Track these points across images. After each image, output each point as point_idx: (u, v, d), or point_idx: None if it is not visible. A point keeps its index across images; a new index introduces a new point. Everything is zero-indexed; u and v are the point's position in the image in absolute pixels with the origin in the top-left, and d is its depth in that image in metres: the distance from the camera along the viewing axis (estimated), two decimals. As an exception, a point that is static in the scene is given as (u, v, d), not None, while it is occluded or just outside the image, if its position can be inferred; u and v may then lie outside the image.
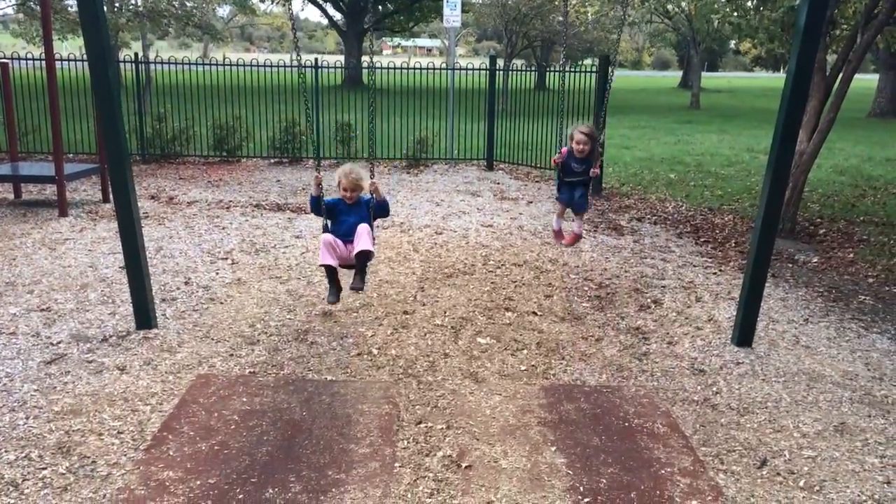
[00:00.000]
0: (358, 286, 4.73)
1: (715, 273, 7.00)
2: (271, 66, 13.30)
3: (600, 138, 5.36)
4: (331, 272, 4.81)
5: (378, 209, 4.81)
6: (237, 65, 13.48)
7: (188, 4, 24.74)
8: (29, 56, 12.39)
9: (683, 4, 30.87)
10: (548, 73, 17.68)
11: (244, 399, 4.18)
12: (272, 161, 13.08)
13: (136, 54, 13.37)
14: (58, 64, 8.93)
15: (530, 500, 3.32)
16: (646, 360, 4.94)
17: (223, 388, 4.31)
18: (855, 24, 8.28)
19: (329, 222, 4.80)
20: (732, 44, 54.08)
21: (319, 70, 12.99)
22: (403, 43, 57.70)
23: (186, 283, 6.20)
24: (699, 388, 4.55)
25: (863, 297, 6.41)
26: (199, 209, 9.08)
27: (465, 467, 3.56)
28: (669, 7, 33.31)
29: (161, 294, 5.84)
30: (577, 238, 5.71)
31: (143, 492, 3.28)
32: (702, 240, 8.32)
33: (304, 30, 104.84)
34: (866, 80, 39.93)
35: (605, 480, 3.48)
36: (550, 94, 13.52)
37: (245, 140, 13.03)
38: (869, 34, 7.77)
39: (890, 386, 4.66)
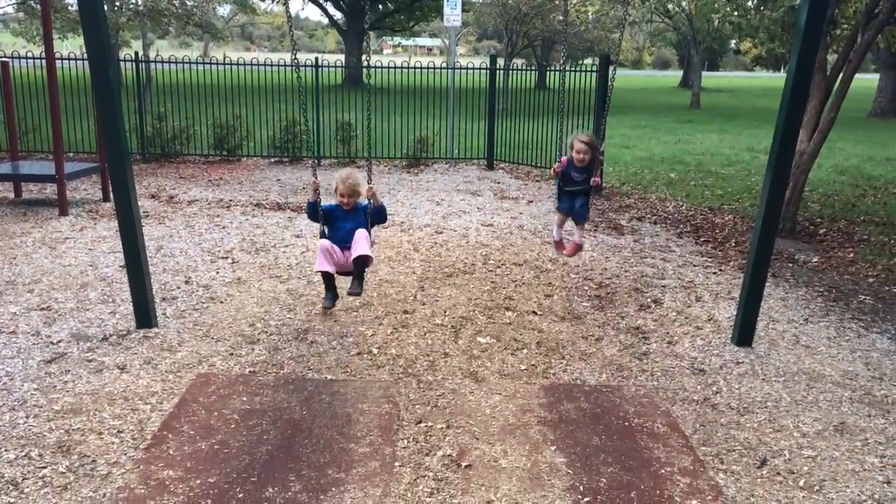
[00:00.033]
0: (356, 291, 4.62)
1: (715, 273, 7.00)
2: (271, 66, 13.29)
3: (600, 147, 5.27)
4: (328, 278, 4.72)
5: (375, 215, 4.73)
6: (237, 64, 13.48)
7: (188, 3, 24.75)
8: (29, 55, 12.38)
9: (684, 4, 30.87)
10: (548, 73, 17.68)
11: (244, 398, 4.18)
12: (272, 160, 13.08)
13: (136, 53, 13.37)
14: (58, 63, 8.93)
15: (530, 499, 3.32)
16: (646, 359, 4.94)
17: (223, 387, 4.31)
18: (855, 24, 8.27)
19: (326, 228, 4.73)
20: (733, 43, 54.05)
21: (320, 69, 12.99)
22: (404, 42, 57.74)
23: (187, 282, 6.20)
24: (699, 387, 4.55)
25: (863, 297, 6.41)
26: (199, 208, 9.08)
27: (465, 467, 3.56)
28: (670, 6, 33.33)
29: (161, 293, 5.84)
30: (579, 248, 5.58)
31: (143, 491, 3.28)
32: (702, 239, 8.32)
33: (304, 29, 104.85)
34: (867, 80, 39.93)
35: (604, 480, 3.48)
36: (551, 93, 13.53)
37: (245, 139, 13.04)
38: (869, 34, 7.76)
39: (890, 386, 4.66)
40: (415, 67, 13.59)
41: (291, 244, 7.52)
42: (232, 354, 4.80)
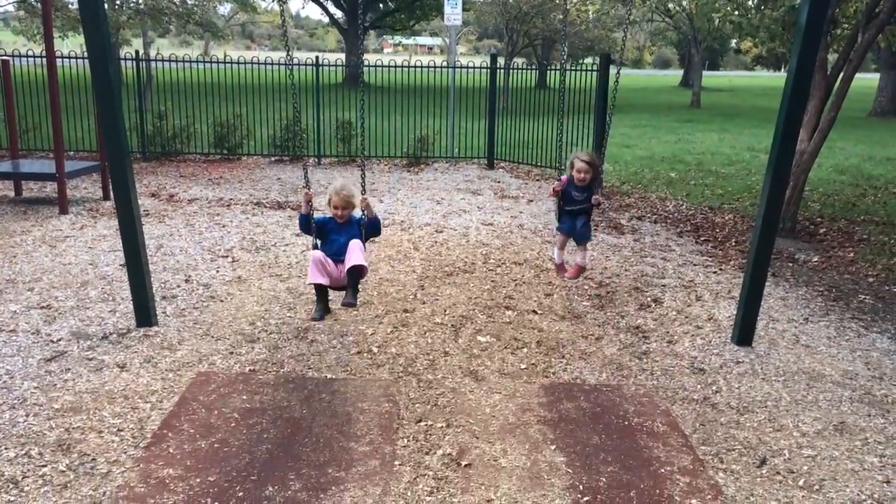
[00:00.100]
0: (351, 302, 4.40)
1: (715, 272, 7.00)
2: (272, 64, 13.29)
3: (601, 165, 5.06)
4: (321, 291, 4.51)
5: (370, 227, 4.55)
6: (238, 62, 13.47)
7: (189, 2, 24.75)
8: (30, 53, 12.38)
9: (684, 3, 30.88)
10: (548, 72, 17.68)
11: (244, 397, 4.18)
12: (273, 159, 13.08)
13: (136, 52, 13.37)
14: (58, 61, 8.92)
15: (530, 498, 3.32)
16: (646, 358, 4.95)
17: (223, 385, 4.31)
18: (856, 24, 8.27)
19: (319, 242, 4.55)
20: (733, 43, 54.04)
21: (320, 68, 12.99)
22: (404, 41, 57.70)
23: (187, 281, 6.20)
24: (699, 386, 4.55)
25: (863, 297, 6.41)
26: (199, 207, 9.08)
27: (465, 465, 3.56)
28: (670, 6, 33.32)
29: (161, 292, 5.84)
30: (582, 271, 5.29)
31: (142, 489, 3.28)
32: (702, 239, 8.32)
33: (305, 28, 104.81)
34: (867, 80, 39.91)
35: (604, 479, 3.48)
36: (551, 92, 13.52)
37: (246, 138, 13.04)
38: (870, 33, 7.76)
39: (890, 385, 4.66)
40: (415, 66, 13.59)
41: (292, 243, 7.52)
42: (232, 353, 4.81)
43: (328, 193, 4.55)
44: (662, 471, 3.57)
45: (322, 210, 4.76)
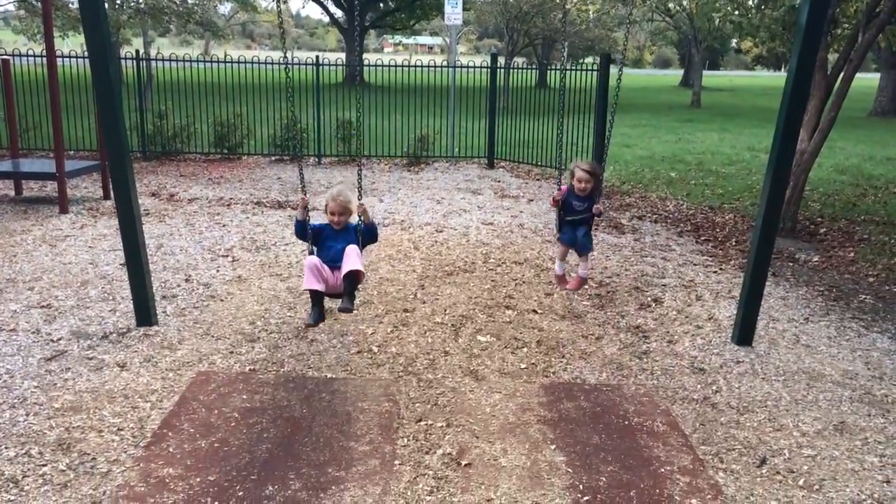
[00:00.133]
0: (348, 307, 4.25)
1: (715, 272, 7.00)
2: (272, 64, 13.28)
3: (602, 174, 4.93)
4: (316, 296, 4.33)
5: (366, 234, 4.45)
6: (238, 62, 13.47)
7: (189, 1, 24.75)
8: (30, 53, 12.38)
9: (685, 3, 30.87)
10: (549, 71, 17.68)
11: (244, 396, 4.18)
12: (273, 158, 13.08)
13: (137, 51, 13.37)
14: (59, 60, 8.93)
15: (530, 498, 3.32)
16: (646, 358, 4.95)
17: (223, 385, 4.31)
18: (856, 23, 8.27)
19: (315, 249, 4.44)
20: (734, 42, 54.04)
21: (320, 67, 12.99)
22: (405, 40, 57.68)
23: (187, 281, 6.20)
24: (699, 386, 4.55)
25: (863, 297, 6.41)
26: (199, 206, 9.08)
27: (465, 465, 3.56)
28: (671, 5, 33.31)
29: (161, 291, 5.84)
30: (583, 283, 5.14)
31: (142, 489, 3.29)
32: (702, 238, 8.32)
33: (305, 27, 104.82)
34: (867, 80, 39.92)
35: (604, 478, 3.48)
36: (551, 92, 13.52)
37: (246, 137, 13.04)
38: (870, 33, 7.76)
39: (890, 385, 4.66)
40: (416, 66, 13.59)
41: (292, 242, 7.52)
42: (232, 352, 4.81)
43: (324, 199, 4.47)
44: (662, 470, 3.57)
45: (319, 210, 4.74)
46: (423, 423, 3.96)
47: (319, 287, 4.23)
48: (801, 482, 3.54)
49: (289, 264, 6.76)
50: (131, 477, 3.37)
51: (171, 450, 3.60)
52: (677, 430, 3.96)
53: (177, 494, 3.25)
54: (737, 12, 12.26)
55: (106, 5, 5.01)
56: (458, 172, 12.46)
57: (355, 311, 5.49)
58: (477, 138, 13.72)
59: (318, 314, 4.32)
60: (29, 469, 3.41)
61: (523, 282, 6.46)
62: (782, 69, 63.43)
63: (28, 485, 3.29)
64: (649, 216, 9.45)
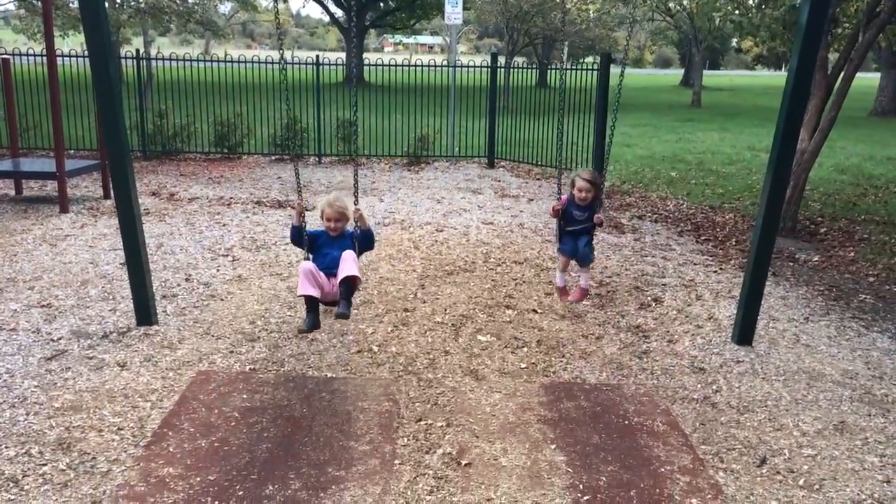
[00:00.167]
0: (344, 313, 4.14)
1: (715, 271, 7.00)
2: (272, 63, 13.27)
3: (603, 183, 4.87)
4: (311, 302, 4.24)
5: (363, 240, 4.37)
6: (238, 61, 13.47)
7: (189, 1, 24.74)
8: (30, 52, 12.38)
9: (685, 2, 30.86)
10: (549, 71, 17.67)
11: (244, 396, 4.18)
12: (273, 158, 13.07)
13: (137, 51, 13.37)
14: (59, 60, 8.93)
15: (530, 497, 3.32)
16: (646, 358, 4.94)
17: (223, 384, 4.31)
18: (857, 23, 8.26)
19: (311, 256, 4.37)
20: (734, 42, 54.02)
21: (321, 67, 12.99)
22: (405, 40, 57.70)
23: (187, 280, 6.20)
24: (699, 386, 4.55)
25: (863, 296, 6.41)
26: (199, 206, 9.08)
27: (465, 465, 3.56)
28: (671, 5, 33.31)
29: (162, 290, 5.84)
30: (585, 294, 5.05)
31: (143, 488, 3.29)
32: (702, 238, 8.32)
33: (305, 27, 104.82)
34: (868, 79, 39.91)
35: (604, 478, 3.48)
36: (552, 91, 13.52)
37: (246, 137, 13.04)
38: (871, 33, 7.75)
39: (890, 385, 4.66)
40: (416, 65, 13.59)
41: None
42: (232, 352, 4.81)
43: (320, 206, 4.39)
44: (662, 470, 3.57)
45: (316, 212, 4.68)
46: (423, 422, 3.96)
47: (315, 293, 4.16)
48: (801, 482, 3.54)
49: (289, 264, 6.76)
50: (131, 476, 3.37)
51: (171, 449, 3.60)
52: (677, 430, 3.96)
53: (177, 494, 3.25)
54: (737, 12, 12.27)
55: (106, 5, 5.01)
56: (458, 172, 12.46)
57: (354, 313, 5.51)
58: (477, 138, 13.72)
59: (313, 321, 4.22)
60: (29, 468, 3.41)
61: (523, 281, 6.46)
62: (783, 69, 63.42)
63: (28, 484, 3.29)
64: (649, 216, 9.44)
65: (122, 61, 13.74)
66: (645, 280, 6.62)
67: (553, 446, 3.75)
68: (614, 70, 11.12)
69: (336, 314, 4.17)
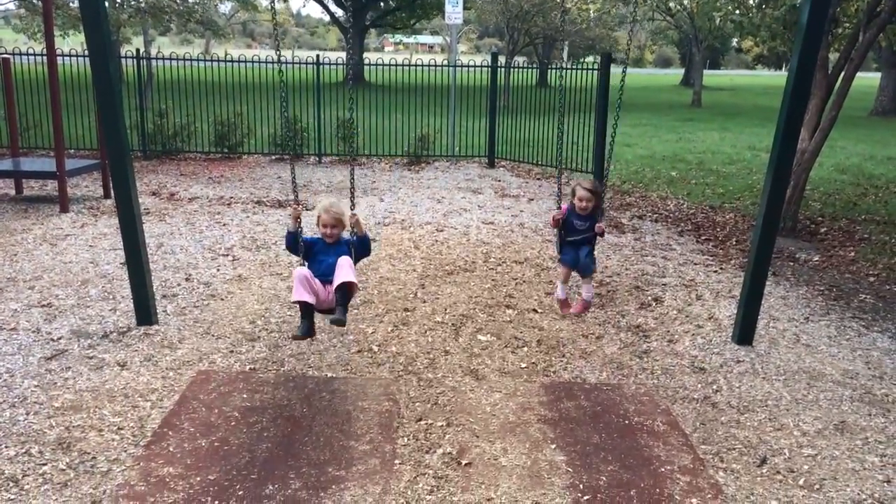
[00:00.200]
0: (339, 319, 4.00)
1: (716, 271, 7.00)
2: (272, 63, 13.27)
3: (604, 192, 4.77)
4: (306, 309, 4.09)
5: (359, 246, 4.27)
6: (239, 61, 13.47)
7: (190, 0, 24.74)
8: (30, 51, 12.38)
9: (686, 2, 30.85)
10: (549, 71, 17.67)
11: (244, 395, 4.18)
12: (273, 157, 13.07)
13: (137, 50, 13.37)
14: (59, 59, 8.92)
15: (530, 497, 3.32)
16: (646, 357, 4.94)
17: (223, 384, 4.31)
18: (857, 23, 8.26)
19: (306, 263, 4.24)
20: (734, 42, 54.01)
21: (321, 66, 12.98)
22: (405, 39, 57.69)
23: (187, 280, 6.20)
24: (699, 386, 4.55)
25: (864, 296, 6.41)
26: (200, 205, 9.08)
27: (465, 464, 3.56)
28: (671, 4, 33.30)
29: (162, 290, 5.84)
30: (588, 306, 4.94)
31: (143, 488, 3.28)
32: (703, 238, 8.32)
33: (305, 26, 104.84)
34: (868, 79, 39.91)
35: (604, 478, 3.48)
36: (552, 91, 13.52)
37: (246, 136, 13.04)
38: (871, 32, 7.75)
39: (890, 384, 4.66)
40: (416, 65, 13.59)
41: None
42: (232, 352, 4.81)
43: (316, 211, 4.32)
44: (662, 470, 3.56)
45: (311, 214, 4.61)
46: (423, 422, 3.95)
47: (310, 299, 4.03)
48: (801, 482, 3.54)
49: (289, 263, 6.75)
50: (131, 476, 3.37)
51: (171, 449, 3.60)
52: (677, 430, 3.96)
53: (177, 493, 3.25)
54: (737, 11, 12.26)
55: (106, 4, 5.01)
56: (458, 172, 12.45)
57: (354, 312, 5.51)
58: (477, 137, 13.72)
59: (307, 328, 4.08)
60: (29, 468, 3.41)
61: (524, 281, 6.46)
62: (783, 68, 63.41)
63: (28, 484, 3.29)
64: (650, 215, 9.44)
65: (123, 61, 13.73)
66: (645, 280, 6.62)
67: (553, 446, 3.75)
68: (615, 70, 11.13)
69: (331, 320, 4.04)
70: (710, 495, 3.37)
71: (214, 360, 4.67)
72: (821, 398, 4.43)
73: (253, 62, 13.31)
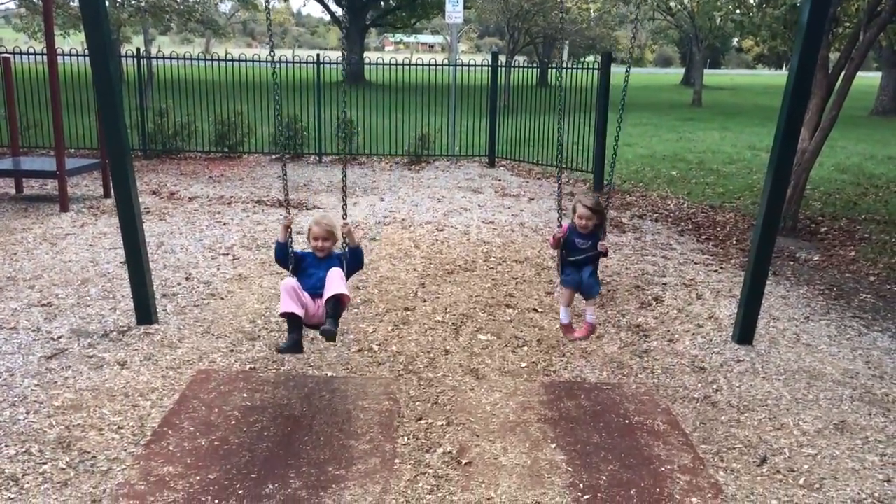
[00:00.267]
0: (330, 329, 3.79)
1: (716, 270, 7.00)
2: (273, 62, 13.26)
3: (606, 209, 4.57)
4: (294, 321, 3.88)
5: (351, 259, 4.12)
6: (239, 60, 13.47)
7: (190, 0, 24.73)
8: (31, 51, 12.38)
9: (686, 1, 30.84)
10: (550, 70, 17.65)
11: (244, 395, 4.18)
12: (273, 157, 13.06)
13: (137, 49, 13.36)
14: (59, 59, 8.92)
15: (530, 496, 3.32)
16: (646, 357, 4.94)
17: (223, 383, 4.31)
18: (857, 22, 8.26)
19: (295, 277, 4.06)
20: (735, 41, 54.00)
21: (321, 66, 12.98)
22: (406, 39, 57.67)
23: (187, 279, 6.20)
24: (699, 385, 4.55)
25: (864, 296, 6.41)
26: (200, 205, 9.08)
27: (465, 464, 3.56)
28: (672, 4, 33.29)
29: (162, 289, 5.84)
30: (593, 330, 4.65)
31: (143, 487, 3.28)
32: (703, 237, 8.32)
33: (306, 25, 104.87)
34: (869, 79, 39.89)
35: (604, 477, 3.48)
36: (552, 90, 13.52)
37: (246, 136, 13.03)
38: (871, 32, 7.75)
39: (890, 384, 4.66)
40: (416, 64, 13.58)
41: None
42: (232, 351, 4.81)
43: (308, 225, 4.18)
44: (663, 469, 3.56)
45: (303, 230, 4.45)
46: (423, 421, 3.95)
47: (298, 311, 3.83)
48: (801, 481, 3.54)
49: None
50: (131, 475, 3.37)
51: (171, 448, 3.60)
52: (678, 429, 3.96)
53: (177, 493, 3.25)
54: (738, 11, 12.25)
55: (107, 3, 5.01)
56: (458, 171, 12.45)
57: (354, 312, 5.51)
58: (478, 137, 13.71)
59: (294, 341, 3.85)
60: (29, 467, 3.41)
61: (524, 280, 6.46)
62: (783, 68, 63.40)
63: (28, 483, 3.29)
64: (650, 215, 9.44)
65: (123, 60, 13.73)
66: (645, 279, 6.62)
67: (553, 445, 3.75)
68: (615, 69, 11.13)
69: (321, 331, 3.83)
70: (710, 495, 3.37)
71: (214, 359, 4.67)
72: (821, 398, 4.43)
73: (253, 61, 13.30)
